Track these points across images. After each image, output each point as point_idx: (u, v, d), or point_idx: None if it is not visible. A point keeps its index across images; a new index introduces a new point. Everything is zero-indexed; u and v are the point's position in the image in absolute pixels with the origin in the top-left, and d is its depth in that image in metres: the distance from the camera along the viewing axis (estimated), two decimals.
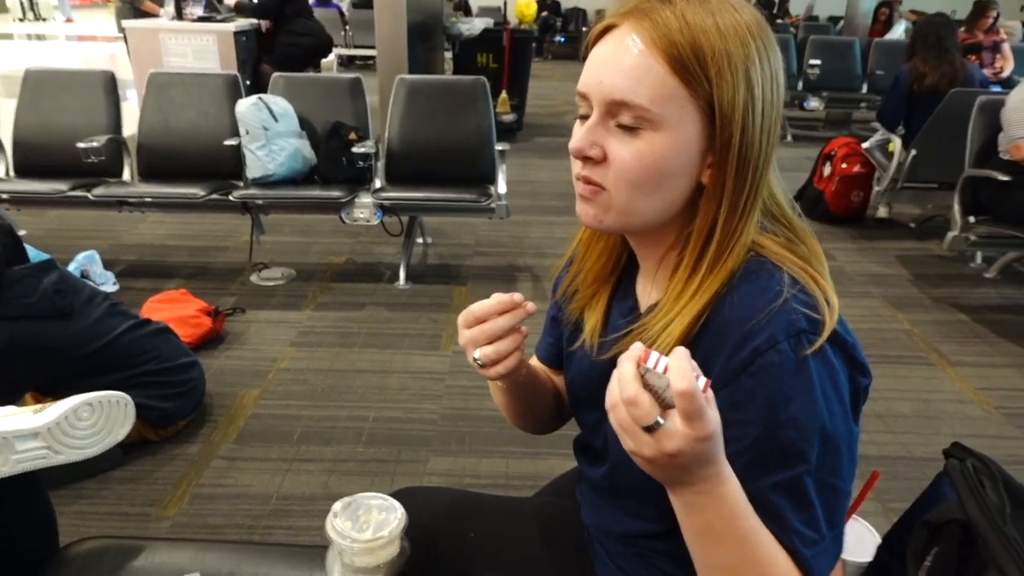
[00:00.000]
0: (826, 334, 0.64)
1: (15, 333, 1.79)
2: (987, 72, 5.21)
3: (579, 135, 0.69)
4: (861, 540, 0.94)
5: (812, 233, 0.74)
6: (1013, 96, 2.93)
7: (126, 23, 5.37)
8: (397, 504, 0.92)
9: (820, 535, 0.65)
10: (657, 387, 0.55)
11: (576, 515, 0.98)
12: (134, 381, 1.98)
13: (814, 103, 6.42)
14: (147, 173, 3.39)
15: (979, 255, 3.73)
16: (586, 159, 0.69)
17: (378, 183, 3.38)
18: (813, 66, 6.42)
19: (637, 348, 0.57)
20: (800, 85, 6.60)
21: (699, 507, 0.61)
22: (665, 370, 0.54)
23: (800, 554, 0.64)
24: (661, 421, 0.55)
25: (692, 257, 0.70)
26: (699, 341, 0.68)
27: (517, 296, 0.77)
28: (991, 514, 0.68)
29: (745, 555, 0.62)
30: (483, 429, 2.25)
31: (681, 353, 0.54)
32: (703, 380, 0.54)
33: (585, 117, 0.70)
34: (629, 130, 0.66)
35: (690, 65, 0.64)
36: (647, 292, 0.80)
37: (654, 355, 0.55)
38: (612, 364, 0.64)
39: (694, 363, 0.55)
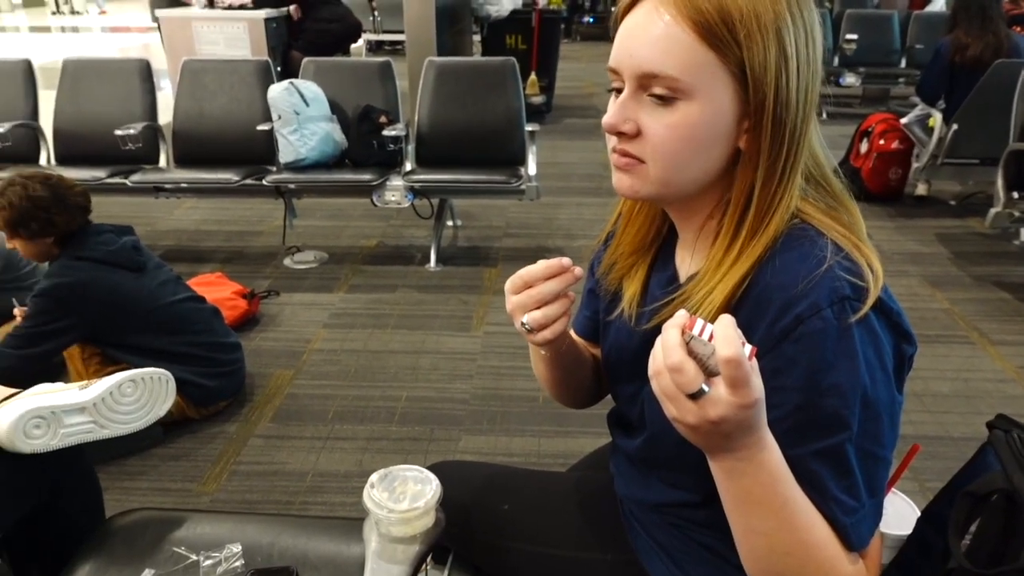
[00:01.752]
0: (871, 301, 0.63)
1: (96, 274, 1.98)
2: None
3: (612, 110, 0.69)
4: (900, 513, 0.93)
5: (852, 197, 0.73)
6: None
7: (159, 12, 5.44)
8: (432, 476, 0.93)
9: (860, 503, 0.65)
10: (702, 354, 0.55)
11: (610, 488, 0.98)
12: (184, 350, 2.11)
13: (850, 79, 6.25)
14: (182, 159, 3.45)
15: (1023, 232, 3.62)
16: (620, 134, 0.69)
17: (408, 166, 3.40)
18: (850, 41, 6.25)
19: (682, 315, 0.56)
20: (836, 61, 6.43)
21: (739, 473, 0.60)
22: (710, 337, 0.54)
23: (840, 522, 0.64)
24: (706, 389, 0.55)
25: (732, 224, 0.69)
26: (741, 307, 0.68)
27: (565, 260, 0.78)
28: None
29: (784, 521, 0.62)
30: (515, 409, 2.26)
31: (727, 320, 0.54)
32: (748, 347, 0.53)
33: (618, 91, 0.70)
34: (662, 101, 0.66)
35: (718, 31, 0.63)
36: (686, 262, 0.80)
37: (699, 322, 0.55)
38: (651, 334, 0.66)
39: (739, 331, 0.54)
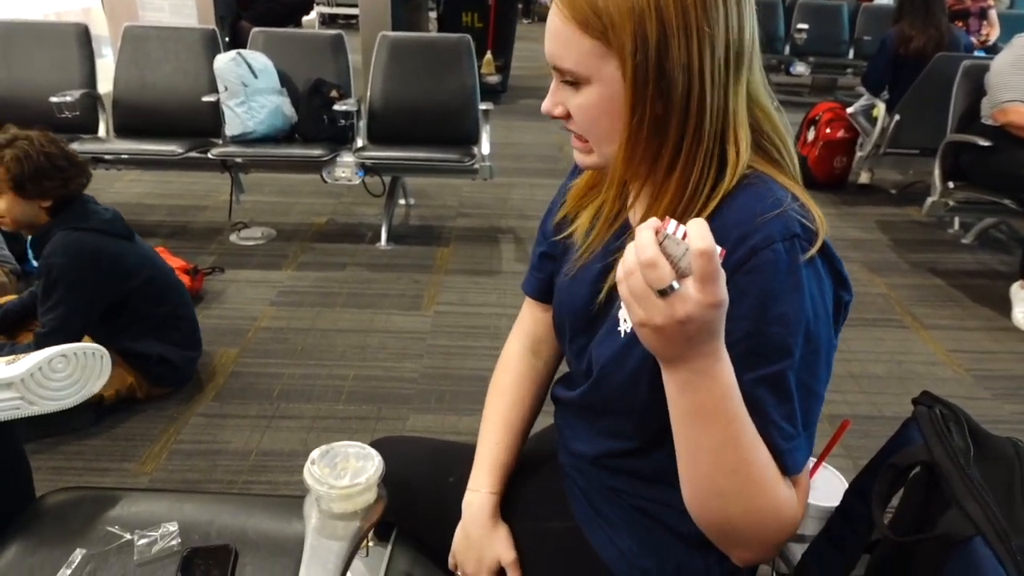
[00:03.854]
0: (818, 244, 0.69)
1: (100, 244, 1.92)
2: (973, 39, 5.20)
3: (547, 97, 0.77)
4: (830, 486, 0.96)
5: (792, 143, 0.79)
6: (998, 60, 2.93)
7: None
8: (374, 452, 0.92)
9: (797, 431, 0.69)
10: (674, 255, 0.56)
11: (554, 460, 1.00)
12: (172, 322, 2.11)
13: (800, 68, 6.38)
14: (123, 129, 3.32)
15: (956, 221, 3.77)
16: (555, 117, 0.78)
17: (360, 142, 3.34)
18: (800, 30, 6.37)
19: (654, 220, 0.58)
20: (787, 50, 6.55)
21: (694, 386, 0.63)
22: (684, 236, 0.56)
23: (779, 446, 0.68)
24: (676, 285, 0.56)
25: (680, 181, 0.73)
26: None
27: None
28: (956, 457, 0.69)
29: (731, 437, 0.65)
30: (464, 388, 2.26)
31: (700, 221, 0.56)
32: (719, 248, 0.55)
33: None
34: (572, 87, 0.74)
35: (593, 22, 0.69)
36: (639, 212, 0.83)
37: (672, 223, 0.56)
38: (601, 282, 0.78)
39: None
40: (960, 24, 5.26)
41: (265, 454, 1.95)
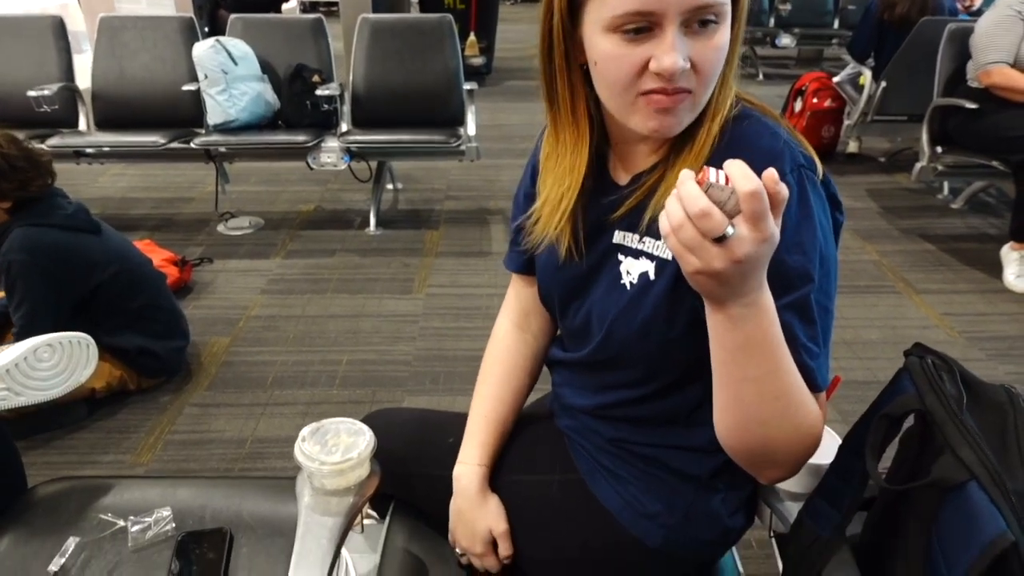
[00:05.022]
0: (820, 169, 0.72)
1: (61, 240, 1.88)
2: (959, 5, 5.17)
3: (670, 52, 0.65)
4: (823, 443, 0.95)
5: None
6: (981, 22, 2.91)
7: None
8: (365, 427, 0.92)
9: (820, 349, 0.72)
10: (720, 200, 0.56)
11: (551, 421, 1.00)
12: (149, 313, 2.07)
13: (786, 40, 6.34)
14: (104, 122, 3.28)
15: (946, 186, 3.77)
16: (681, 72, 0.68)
17: (344, 127, 3.31)
18: (785, 2, 6.33)
19: (688, 172, 0.58)
20: (772, 22, 6.51)
21: (743, 319, 0.63)
22: (727, 180, 0.56)
23: (808, 366, 0.70)
24: (731, 231, 0.56)
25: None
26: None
27: None
28: (949, 404, 0.68)
29: (777, 362, 0.65)
30: (458, 368, 2.26)
31: (738, 162, 0.56)
32: (762, 184, 0.56)
33: (639, 32, 0.66)
34: (707, 27, 0.67)
35: None
36: (629, 167, 0.83)
37: (712, 170, 0.57)
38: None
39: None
40: None
41: (260, 441, 1.94)
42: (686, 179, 0.57)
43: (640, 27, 0.66)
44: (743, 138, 0.73)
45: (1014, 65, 2.78)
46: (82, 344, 1.26)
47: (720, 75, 0.72)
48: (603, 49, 0.69)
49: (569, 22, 0.73)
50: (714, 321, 0.65)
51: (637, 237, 0.80)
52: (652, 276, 0.78)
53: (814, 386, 0.70)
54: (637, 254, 0.80)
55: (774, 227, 0.57)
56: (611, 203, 0.82)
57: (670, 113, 0.70)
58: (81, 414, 1.99)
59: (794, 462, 0.73)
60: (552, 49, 0.76)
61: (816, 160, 0.73)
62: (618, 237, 0.82)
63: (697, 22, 0.66)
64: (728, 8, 0.68)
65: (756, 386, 0.66)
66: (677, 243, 0.59)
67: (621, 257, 0.81)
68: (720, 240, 0.57)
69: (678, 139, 0.76)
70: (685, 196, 0.57)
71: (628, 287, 0.80)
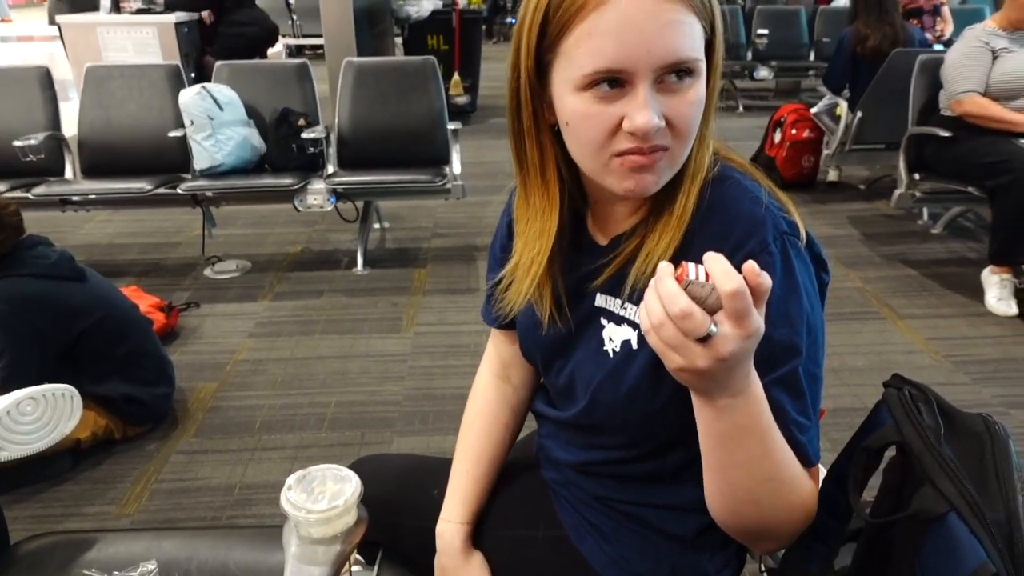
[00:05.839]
0: (803, 233, 0.71)
1: (40, 289, 1.87)
2: (929, 36, 5.31)
3: (643, 111, 0.63)
4: None
5: None
6: (951, 54, 2.99)
7: (60, 18, 5.18)
8: (352, 474, 0.91)
9: (811, 422, 0.70)
10: (700, 296, 0.55)
11: (538, 471, 0.99)
12: (135, 360, 2.06)
13: (763, 72, 6.47)
14: (90, 170, 3.29)
15: (925, 212, 3.83)
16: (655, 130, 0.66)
17: (330, 168, 3.34)
18: (761, 36, 6.48)
19: (666, 266, 0.56)
20: (749, 55, 6.66)
21: (731, 409, 0.62)
22: (707, 276, 0.55)
23: (800, 441, 0.68)
24: (714, 330, 0.55)
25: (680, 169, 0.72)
26: (689, 250, 0.71)
27: None
28: (926, 435, 0.69)
29: (767, 446, 0.64)
30: (447, 407, 2.25)
31: (718, 257, 0.55)
32: (743, 281, 0.54)
33: (613, 84, 0.64)
34: (679, 83, 0.65)
35: (700, 1, 0.65)
36: (606, 229, 0.81)
37: (691, 266, 0.55)
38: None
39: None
40: (915, 22, 5.37)
41: (249, 487, 1.92)
42: (664, 275, 0.56)
43: (612, 85, 0.64)
44: (724, 203, 0.71)
45: (984, 94, 2.86)
46: (66, 396, 1.25)
47: (698, 133, 0.70)
48: (573, 109, 0.67)
49: (537, 82, 0.71)
50: (701, 411, 0.64)
51: (619, 303, 0.78)
52: (635, 345, 0.76)
53: (806, 462, 0.70)
54: (619, 320, 0.78)
55: (759, 321, 0.56)
56: (592, 266, 0.80)
57: (647, 171, 0.67)
58: (66, 466, 1.97)
59: (787, 535, 0.72)
60: (520, 109, 0.74)
61: (799, 223, 0.71)
62: (600, 300, 0.80)
63: (670, 78, 0.64)
64: (702, 64, 0.66)
65: (746, 470, 0.65)
66: (659, 341, 0.57)
67: (604, 322, 0.79)
68: (704, 340, 0.55)
69: (657, 200, 0.73)
70: (664, 295, 0.55)
71: (611, 354, 0.78)
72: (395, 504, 1.02)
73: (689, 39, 0.64)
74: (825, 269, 0.75)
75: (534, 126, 0.74)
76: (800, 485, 0.69)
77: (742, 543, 0.74)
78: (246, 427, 2.17)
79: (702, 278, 0.55)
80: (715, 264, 0.54)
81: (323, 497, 0.88)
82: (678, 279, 0.55)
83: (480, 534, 0.97)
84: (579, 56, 0.64)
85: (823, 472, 0.85)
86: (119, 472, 1.98)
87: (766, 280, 0.55)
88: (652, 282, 0.57)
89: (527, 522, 0.96)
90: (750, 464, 0.65)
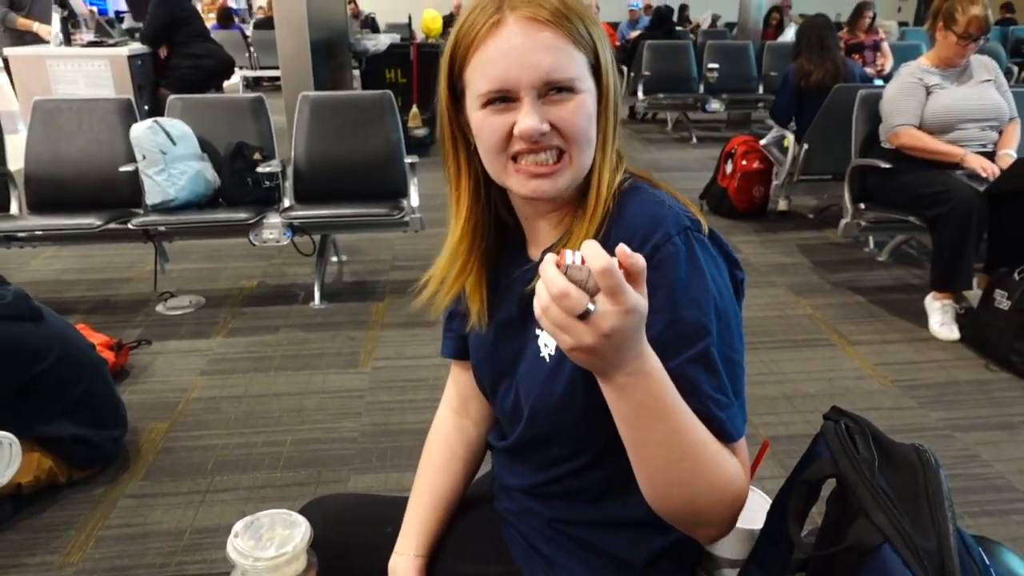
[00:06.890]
0: (706, 229, 0.78)
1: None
2: (870, 71, 5.55)
3: (529, 116, 0.74)
4: (756, 508, 0.97)
5: None
6: (888, 89, 3.13)
7: (7, 51, 5.08)
8: (301, 519, 0.90)
9: (730, 399, 0.74)
10: (579, 280, 0.60)
11: (491, 507, 0.99)
12: (88, 400, 2.00)
13: (715, 105, 6.68)
14: (37, 205, 3.21)
15: (871, 240, 3.96)
16: (541, 134, 0.76)
17: (287, 202, 3.32)
18: (712, 70, 6.69)
19: (551, 256, 0.61)
20: (702, 88, 6.85)
21: (631, 388, 0.66)
22: (583, 261, 0.59)
23: (718, 417, 0.72)
24: (592, 307, 0.59)
25: (579, 192, 0.82)
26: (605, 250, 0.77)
27: None
28: (861, 468, 0.71)
29: (675, 425, 0.68)
30: (405, 443, 2.23)
31: (591, 243, 0.60)
32: (614, 260, 0.59)
33: (505, 100, 0.76)
34: (563, 95, 0.75)
35: (570, 26, 0.75)
36: (537, 244, 0.89)
37: (568, 253, 0.60)
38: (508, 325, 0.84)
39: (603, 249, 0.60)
40: (857, 57, 5.61)
41: (200, 532, 1.87)
42: (547, 263, 0.61)
43: (504, 100, 0.75)
44: (632, 208, 0.79)
45: (920, 127, 2.99)
46: (4, 443, 1.21)
47: (597, 142, 0.79)
48: (477, 123, 0.78)
49: (453, 107, 0.82)
50: (606, 392, 0.68)
51: None
52: None
53: (726, 436, 0.73)
54: None
55: (636, 298, 0.60)
56: (526, 280, 0.85)
57: (542, 177, 0.78)
58: (5, 513, 1.89)
59: (720, 519, 0.75)
60: (443, 132, 0.85)
61: (702, 220, 0.78)
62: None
63: (552, 93, 0.75)
64: (585, 83, 0.76)
65: (660, 450, 0.69)
66: (549, 323, 0.62)
67: (538, 331, 0.84)
68: (584, 316, 0.60)
69: (576, 213, 0.82)
70: (546, 279, 0.60)
71: (547, 359, 0.82)
72: (347, 546, 1.01)
73: (564, 62, 0.74)
74: (738, 267, 0.81)
75: (453, 147, 0.85)
76: (721, 463, 0.72)
77: (683, 531, 0.77)
78: (198, 468, 2.12)
79: (579, 262, 0.60)
80: (588, 248, 0.59)
81: (271, 543, 0.87)
82: (558, 265, 0.60)
83: (433, 569, 0.97)
84: (476, 80, 0.77)
85: (760, 519, 0.86)
86: (63, 519, 1.91)
87: (638, 260, 0.60)
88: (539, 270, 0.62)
89: (479, 556, 0.97)
90: (662, 444, 0.68)
